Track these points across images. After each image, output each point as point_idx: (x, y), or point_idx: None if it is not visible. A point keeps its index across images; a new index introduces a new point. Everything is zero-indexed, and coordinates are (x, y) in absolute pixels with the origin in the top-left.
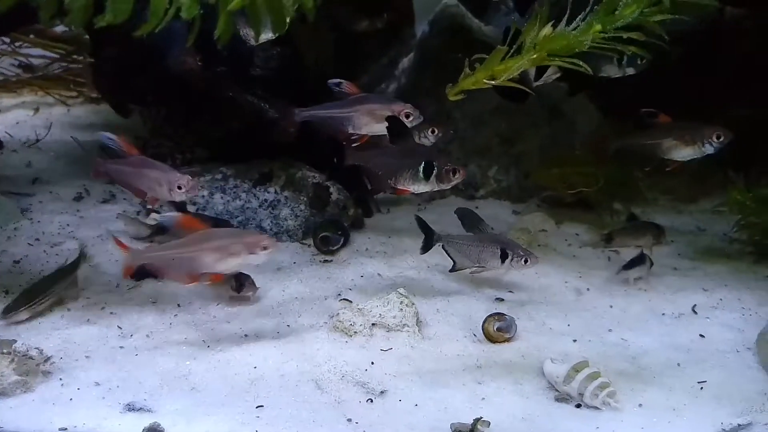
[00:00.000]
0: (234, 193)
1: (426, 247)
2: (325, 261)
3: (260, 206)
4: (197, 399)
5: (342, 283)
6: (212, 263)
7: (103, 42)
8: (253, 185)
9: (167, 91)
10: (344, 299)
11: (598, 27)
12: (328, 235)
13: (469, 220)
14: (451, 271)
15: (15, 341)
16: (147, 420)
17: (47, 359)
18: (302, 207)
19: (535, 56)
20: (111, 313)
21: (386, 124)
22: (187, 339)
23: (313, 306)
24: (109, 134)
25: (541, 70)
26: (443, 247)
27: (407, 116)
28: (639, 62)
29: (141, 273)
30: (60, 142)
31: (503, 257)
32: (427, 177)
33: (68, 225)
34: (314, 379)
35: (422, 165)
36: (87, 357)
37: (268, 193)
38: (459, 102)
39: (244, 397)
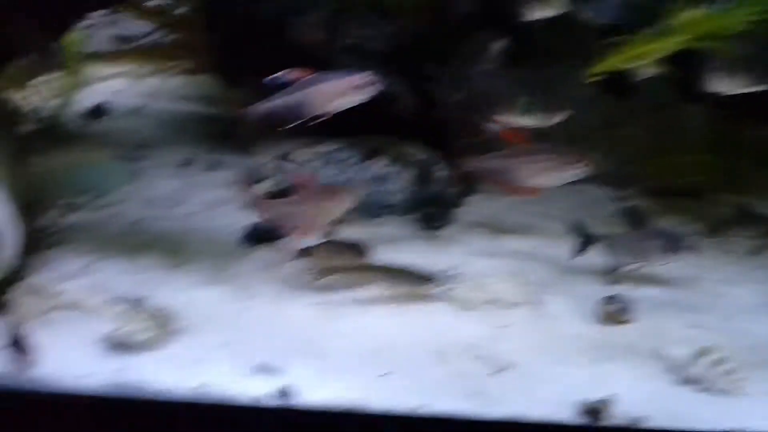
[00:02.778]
0: (344, 165)
1: (582, 250)
2: (431, 237)
3: (369, 180)
4: (324, 364)
5: (450, 259)
6: (531, 176)
7: (219, 14)
8: (361, 159)
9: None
10: (455, 274)
11: (757, 8)
12: (433, 211)
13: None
14: (610, 271)
15: (146, 299)
16: (277, 382)
17: (177, 318)
18: (408, 182)
19: (680, 39)
20: (232, 275)
21: (346, 99)
22: (307, 304)
23: None
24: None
25: None
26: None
27: (365, 86)
28: None
29: (256, 238)
30: (159, 111)
31: (671, 249)
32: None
33: (180, 189)
34: (437, 350)
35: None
36: (212, 318)
37: (377, 167)
38: (564, 85)
39: (369, 365)
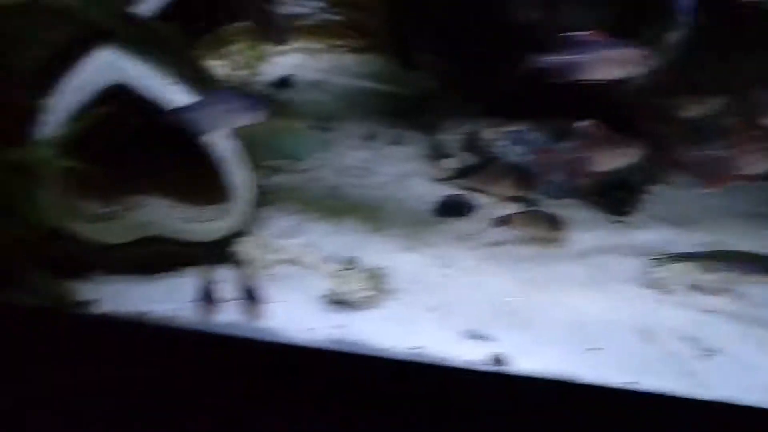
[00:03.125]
0: (531, 146)
1: None
2: (617, 221)
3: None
4: (530, 335)
5: (640, 243)
6: (743, 167)
7: None
8: (551, 141)
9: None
10: (654, 258)
11: None
12: (621, 195)
13: None
14: None
15: (357, 260)
16: (489, 348)
17: (387, 280)
18: None
19: None
20: (428, 244)
21: (625, 70)
22: (506, 277)
23: (617, 260)
24: None
25: None
26: None
27: (641, 61)
28: None
29: (449, 209)
30: (338, 86)
31: None
32: None
33: (368, 161)
34: (640, 330)
35: None
36: (417, 281)
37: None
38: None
39: (573, 339)
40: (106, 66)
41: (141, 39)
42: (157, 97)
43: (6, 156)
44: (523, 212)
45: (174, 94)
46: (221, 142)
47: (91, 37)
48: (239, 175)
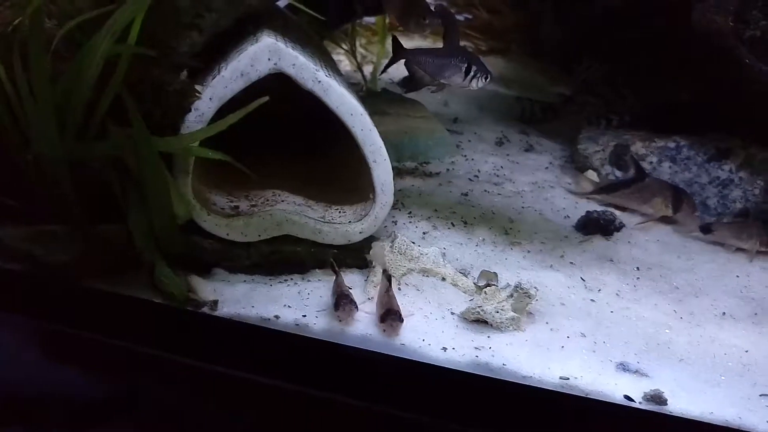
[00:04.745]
0: (684, 164)
1: None
2: None
3: (710, 183)
4: (689, 372)
5: None
6: None
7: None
8: (707, 160)
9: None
10: None
11: None
12: None
13: None
14: None
15: (498, 275)
16: (644, 384)
17: (533, 298)
18: (756, 192)
19: None
20: (570, 263)
21: None
22: (657, 305)
23: None
24: None
25: None
26: None
27: None
28: None
29: (589, 226)
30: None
31: None
32: None
33: (501, 167)
34: None
35: None
36: (562, 304)
37: (722, 170)
38: None
39: (740, 381)
40: (270, 52)
41: (284, 27)
42: (313, 89)
43: (152, 145)
44: (729, 222)
45: (329, 86)
46: (371, 138)
47: (249, 23)
48: (383, 176)
